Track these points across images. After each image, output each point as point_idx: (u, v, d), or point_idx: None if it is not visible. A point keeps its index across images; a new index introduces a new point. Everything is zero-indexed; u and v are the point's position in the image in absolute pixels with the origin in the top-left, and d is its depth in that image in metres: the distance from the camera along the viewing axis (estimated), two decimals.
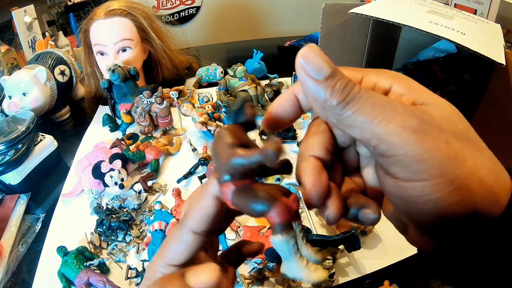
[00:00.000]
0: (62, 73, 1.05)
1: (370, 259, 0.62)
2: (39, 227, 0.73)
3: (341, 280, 0.59)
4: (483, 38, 0.61)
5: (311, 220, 0.69)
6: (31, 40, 1.16)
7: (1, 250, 0.69)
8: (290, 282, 0.56)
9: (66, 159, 0.91)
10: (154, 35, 1.04)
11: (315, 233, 0.66)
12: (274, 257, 0.56)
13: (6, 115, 0.95)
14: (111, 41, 0.96)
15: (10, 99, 0.94)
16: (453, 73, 0.92)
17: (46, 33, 1.41)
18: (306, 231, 0.64)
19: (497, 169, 0.22)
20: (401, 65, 1.02)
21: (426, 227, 0.23)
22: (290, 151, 0.88)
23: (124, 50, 0.99)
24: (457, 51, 0.94)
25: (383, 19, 0.64)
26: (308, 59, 0.21)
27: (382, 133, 0.21)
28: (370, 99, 0.21)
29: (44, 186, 0.83)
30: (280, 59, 1.38)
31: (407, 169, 0.21)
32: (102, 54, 0.99)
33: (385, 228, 0.66)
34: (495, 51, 0.56)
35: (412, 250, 0.58)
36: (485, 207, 0.20)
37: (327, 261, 0.56)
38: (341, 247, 0.61)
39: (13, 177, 0.80)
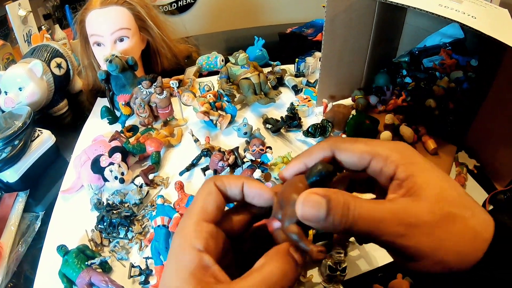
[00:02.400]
0: (59, 66, 1.01)
1: (381, 251, 0.58)
2: (39, 225, 0.71)
3: (352, 273, 0.57)
4: (493, 22, 0.58)
5: None
6: (27, 33, 1.12)
7: (1, 250, 0.66)
8: (300, 277, 0.54)
9: (65, 154, 0.88)
10: (152, 24, 1.00)
11: None
12: None
13: (3, 111, 0.92)
14: (108, 31, 0.93)
15: (6, 94, 0.91)
16: (460, 58, 0.89)
17: (43, 27, 1.37)
18: None
19: (476, 230, 0.27)
20: (405, 51, 0.99)
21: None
22: (296, 139, 0.85)
23: (121, 40, 0.95)
24: (464, 36, 0.91)
25: (391, 1, 0.61)
26: (304, 211, 0.27)
27: (378, 242, 0.28)
28: (364, 221, 0.27)
29: (43, 182, 0.81)
30: (282, 46, 1.34)
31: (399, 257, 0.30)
32: (99, 45, 0.95)
33: None
34: (507, 35, 0.52)
35: None
36: (456, 267, 0.27)
37: (338, 254, 0.54)
38: (352, 239, 0.59)
39: (11, 175, 0.77)
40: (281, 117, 0.86)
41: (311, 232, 0.55)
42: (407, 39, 0.99)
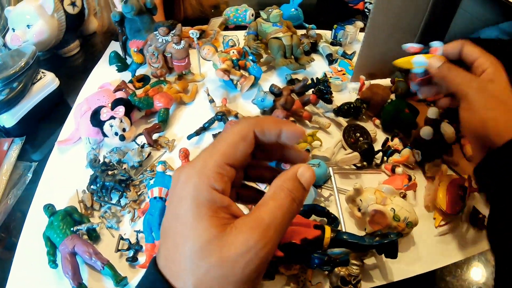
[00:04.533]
0: (73, 4, 0.93)
1: (400, 263, 0.53)
2: (30, 177, 0.65)
3: (365, 285, 0.51)
4: None
5: (340, 207, 0.58)
6: None
7: None
8: (306, 281, 0.48)
9: (69, 100, 0.81)
10: None
11: (342, 224, 0.57)
12: (295, 257, 0.47)
13: (10, 49, 0.85)
14: None
15: (14, 31, 0.85)
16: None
17: None
18: (334, 220, 0.55)
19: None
20: (457, 39, 0.85)
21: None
22: (324, 114, 0.75)
23: None
24: None
25: None
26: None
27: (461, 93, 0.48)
28: (456, 79, 0.49)
29: (42, 129, 0.75)
30: (320, 9, 1.21)
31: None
32: None
33: (420, 229, 0.56)
34: None
35: (448, 260, 0.54)
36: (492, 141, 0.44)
37: (355, 267, 0.48)
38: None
39: (7, 119, 0.71)
40: (312, 79, 0.75)
41: (328, 234, 0.48)
42: (458, 27, 0.86)
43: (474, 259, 0.55)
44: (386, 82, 0.80)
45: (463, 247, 0.56)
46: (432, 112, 0.65)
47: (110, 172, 0.59)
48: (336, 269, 0.49)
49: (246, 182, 0.33)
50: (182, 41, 0.75)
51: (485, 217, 0.58)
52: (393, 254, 0.48)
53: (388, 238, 0.48)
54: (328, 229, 0.48)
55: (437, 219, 0.58)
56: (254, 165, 0.32)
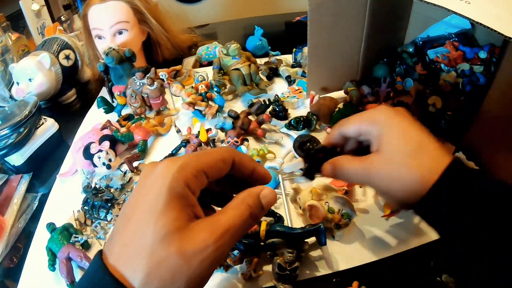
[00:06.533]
0: (67, 57, 1.09)
1: (344, 254, 0.58)
2: (36, 204, 0.79)
3: (309, 275, 0.56)
4: (499, 13, 0.52)
5: (287, 208, 0.67)
6: (41, 26, 1.21)
7: (4, 225, 0.75)
8: (251, 271, 0.55)
9: (69, 140, 0.96)
10: (150, 17, 1.05)
11: (288, 222, 0.64)
12: (238, 247, 0.55)
13: (16, 100, 1.01)
14: (107, 24, 0.99)
15: (18, 85, 1.00)
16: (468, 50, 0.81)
17: (62, 17, 1.46)
18: (279, 218, 0.62)
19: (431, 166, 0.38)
20: (411, 41, 0.94)
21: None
22: (280, 130, 0.87)
23: (120, 33, 1.01)
24: (472, 27, 0.84)
25: None
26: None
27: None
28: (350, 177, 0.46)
29: (45, 166, 0.89)
30: (288, 35, 1.35)
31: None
32: (99, 37, 1.02)
33: (366, 221, 0.62)
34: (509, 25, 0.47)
35: (393, 251, 0.57)
36: (405, 200, 0.40)
37: (289, 254, 0.53)
38: (310, 240, 0.57)
39: (17, 158, 0.85)
40: (264, 100, 0.87)
41: (263, 227, 0.56)
42: (414, 29, 0.94)
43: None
44: (339, 94, 0.89)
45: (411, 238, 0.59)
46: None
47: (99, 195, 0.73)
48: (274, 258, 0.54)
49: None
50: (155, 83, 0.90)
51: None
52: (320, 241, 0.54)
53: (314, 226, 0.54)
54: (264, 223, 0.56)
55: (386, 210, 0.61)
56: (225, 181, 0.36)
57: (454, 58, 0.82)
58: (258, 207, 0.32)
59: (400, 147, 0.40)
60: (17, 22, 1.26)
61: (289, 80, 1.03)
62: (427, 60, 0.90)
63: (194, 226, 0.28)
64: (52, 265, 0.63)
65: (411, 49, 0.92)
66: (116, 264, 0.27)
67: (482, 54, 0.78)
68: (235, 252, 0.57)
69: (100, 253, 0.29)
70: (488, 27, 0.46)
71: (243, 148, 0.76)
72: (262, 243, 0.56)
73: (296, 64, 1.09)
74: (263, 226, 0.57)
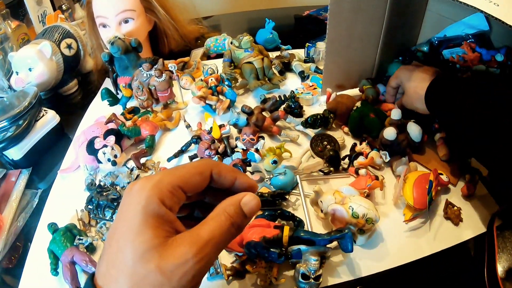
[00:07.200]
0: (69, 46, 1.04)
1: (367, 260, 0.56)
2: (36, 202, 0.74)
3: (331, 281, 0.54)
4: None
5: (306, 211, 0.64)
6: (41, 14, 1.15)
7: (2, 223, 0.70)
8: (272, 278, 0.53)
9: (70, 134, 0.91)
10: (157, 5, 1.00)
11: (308, 226, 0.62)
12: (255, 253, 0.52)
13: (15, 91, 0.96)
14: (112, 12, 0.94)
15: (17, 74, 0.95)
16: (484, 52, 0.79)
17: (63, 6, 1.40)
18: (299, 222, 0.59)
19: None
20: (425, 40, 0.91)
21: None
22: (295, 127, 0.82)
23: (126, 22, 0.96)
24: (489, 28, 0.82)
25: None
26: None
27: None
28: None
29: (45, 161, 0.84)
30: (297, 29, 1.31)
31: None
32: (104, 26, 0.97)
33: (388, 226, 0.60)
34: None
35: (416, 255, 0.56)
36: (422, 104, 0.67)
37: (313, 262, 0.51)
38: (333, 244, 0.55)
39: (15, 152, 0.81)
40: (279, 96, 0.83)
41: (286, 233, 0.52)
42: (428, 28, 0.90)
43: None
44: (354, 91, 0.86)
45: (433, 242, 0.58)
46: (394, 113, 0.70)
47: (104, 193, 0.68)
48: (297, 265, 0.52)
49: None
50: (163, 74, 0.85)
51: (460, 209, 0.60)
52: (348, 248, 0.50)
53: (340, 232, 0.50)
54: (286, 228, 0.52)
55: (406, 214, 0.60)
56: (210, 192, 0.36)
57: (470, 60, 0.79)
58: (240, 215, 0.31)
59: (411, 88, 0.70)
60: (17, 9, 1.20)
61: (302, 76, 0.98)
62: (440, 59, 0.86)
63: (173, 242, 0.28)
64: (54, 269, 0.58)
65: (425, 48, 0.90)
66: (102, 284, 0.28)
67: (499, 57, 0.76)
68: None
69: (92, 275, 0.30)
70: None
71: (255, 155, 0.70)
72: (283, 249, 0.52)
73: (309, 60, 1.05)
74: (286, 232, 0.53)
